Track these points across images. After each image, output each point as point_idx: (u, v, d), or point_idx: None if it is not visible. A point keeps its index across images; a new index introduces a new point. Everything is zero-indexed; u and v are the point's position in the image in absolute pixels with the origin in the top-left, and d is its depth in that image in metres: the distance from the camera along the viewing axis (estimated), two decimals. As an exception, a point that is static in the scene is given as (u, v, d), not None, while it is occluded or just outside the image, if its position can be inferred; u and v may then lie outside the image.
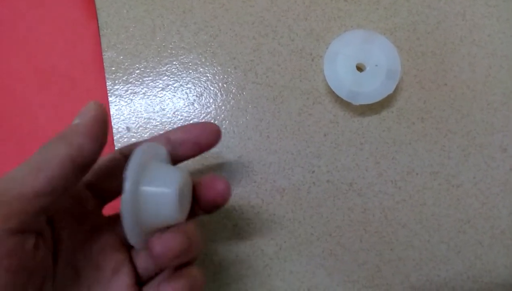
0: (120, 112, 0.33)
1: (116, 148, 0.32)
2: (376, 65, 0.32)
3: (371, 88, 0.32)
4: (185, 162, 0.26)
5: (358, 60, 0.33)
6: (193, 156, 0.26)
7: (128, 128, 0.33)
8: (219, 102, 0.34)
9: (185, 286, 0.22)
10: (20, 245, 0.19)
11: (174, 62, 0.34)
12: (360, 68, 0.33)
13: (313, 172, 0.33)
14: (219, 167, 0.32)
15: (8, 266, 0.18)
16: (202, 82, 0.34)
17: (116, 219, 0.24)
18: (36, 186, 0.19)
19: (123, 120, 0.33)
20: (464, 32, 0.35)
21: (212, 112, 0.33)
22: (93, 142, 0.21)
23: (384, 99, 0.32)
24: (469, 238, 0.32)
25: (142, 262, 0.25)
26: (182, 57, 0.34)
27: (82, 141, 0.20)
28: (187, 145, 0.25)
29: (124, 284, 0.23)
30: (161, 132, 0.32)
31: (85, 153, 0.20)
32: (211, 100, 0.34)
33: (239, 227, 0.32)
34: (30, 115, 0.33)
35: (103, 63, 0.34)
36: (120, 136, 0.33)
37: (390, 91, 0.32)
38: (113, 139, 0.32)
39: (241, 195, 0.32)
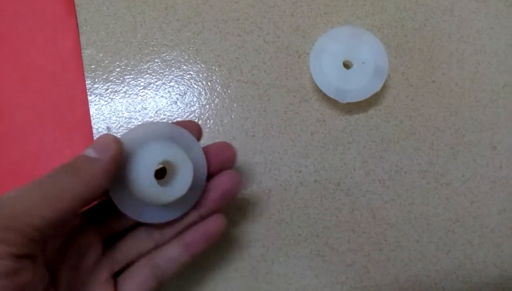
0: (100, 112, 0.33)
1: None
2: (363, 63, 0.33)
3: (358, 85, 0.33)
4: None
5: (345, 57, 0.33)
6: None
7: (108, 128, 0.33)
8: (203, 101, 0.34)
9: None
10: (20, 269, 0.19)
11: (156, 60, 0.34)
12: (347, 65, 0.34)
13: (300, 171, 0.33)
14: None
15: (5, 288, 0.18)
16: (186, 81, 0.34)
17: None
18: (46, 217, 0.20)
19: (103, 120, 0.33)
20: (452, 28, 0.37)
21: (196, 111, 0.34)
22: (107, 183, 0.22)
23: (372, 97, 0.33)
24: (458, 238, 0.33)
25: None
26: (164, 54, 0.34)
27: (99, 183, 0.21)
28: None
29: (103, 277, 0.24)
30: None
31: (98, 193, 0.22)
32: (194, 99, 0.34)
33: (225, 229, 0.32)
34: (7, 113, 0.33)
35: (82, 61, 0.34)
36: (101, 136, 0.33)
37: (378, 88, 0.33)
38: (93, 140, 0.33)
39: (226, 196, 0.32)
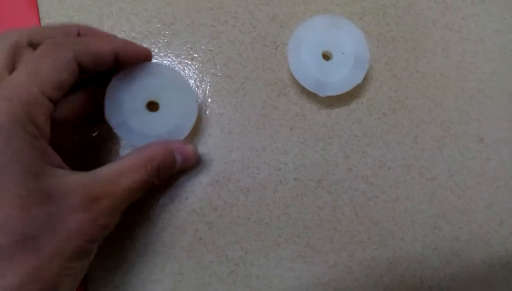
0: (65, 111, 0.32)
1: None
2: (343, 53, 0.32)
3: (339, 77, 0.31)
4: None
5: (325, 48, 0.32)
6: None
7: (74, 128, 0.31)
8: (176, 97, 0.32)
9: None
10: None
11: (125, 54, 0.33)
12: (326, 56, 0.32)
13: (280, 169, 0.32)
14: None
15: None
16: (157, 75, 0.33)
17: None
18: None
19: (69, 119, 0.31)
20: (437, 15, 0.35)
21: (168, 107, 0.32)
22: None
23: (353, 89, 0.32)
24: (445, 234, 0.32)
25: None
26: (133, 48, 0.33)
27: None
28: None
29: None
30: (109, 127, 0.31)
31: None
32: (166, 95, 0.32)
33: (200, 231, 0.31)
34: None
35: (45, 57, 0.32)
36: (66, 137, 0.31)
37: (359, 81, 0.31)
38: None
39: (201, 196, 0.31)
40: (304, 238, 0.31)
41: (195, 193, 0.31)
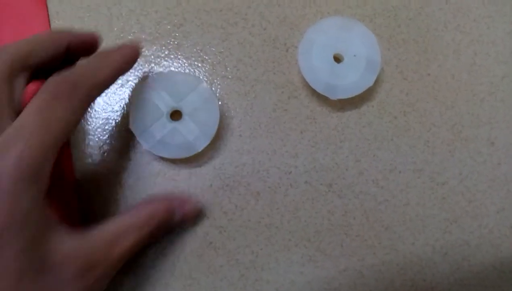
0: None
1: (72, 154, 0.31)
2: (355, 56, 0.31)
3: (350, 80, 0.31)
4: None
5: (336, 50, 0.32)
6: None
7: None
8: (186, 99, 0.32)
9: None
10: None
11: (135, 56, 0.32)
12: (337, 58, 0.32)
13: (290, 173, 0.32)
14: (187, 172, 0.31)
15: None
16: (166, 78, 0.33)
17: None
18: None
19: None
20: (448, 17, 0.35)
21: (178, 110, 0.32)
22: None
23: (364, 92, 0.31)
24: (455, 239, 0.32)
25: None
26: (143, 50, 0.33)
27: None
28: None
29: None
30: (122, 133, 0.31)
31: None
32: (176, 97, 0.32)
33: (211, 235, 0.31)
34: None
35: (54, 58, 0.32)
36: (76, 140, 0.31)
37: (370, 83, 0.31)
38: (69, 145, 0.31)
39: (212, 200, 0.31)
40: (314, 242, 0.31)
41: (205, 196, 0.31)
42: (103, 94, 0.32)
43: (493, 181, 0.33)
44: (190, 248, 0.30)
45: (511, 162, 0.33)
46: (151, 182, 0.31)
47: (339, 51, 0.32)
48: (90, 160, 0.31)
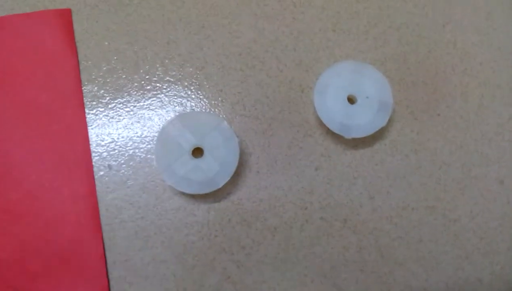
0: (101, 149, 0.33)
1: (96, 187, 0.32)
2: (367, 97, 0.33)
3: (363, 121, 0.33)
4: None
5: (349, 92, 0.33)
6: None
7: (109, 166, 0.33)
8: (206, 137, 0.34)
9: None
10: None
11: (159, 96, 0.34)
12: (351, 100, 0.34)
13: (306, 208, 0.33)
14: (207, 207, 0.32)
15: None
16: (188, 116, 0.34)
17: None
18: None
19: (105, 157, 0.33)
20: (456, 61, 0.37)
21: (199, 147, 0.34)
22: None
23: (377, 131, 0.33)
24: (468, 276, 0.32)
25: None
26: (166, 90, 0.35)
27: None
28: None
29: None
30: (145, 170, 0.32)
31: None
32: (197, 135, 0.34)
33: (229, 269, 0.32)
34: (5, 151, 0.33)
35: (83, 98, 0.34)
36: (101, 175, 0.33)
37: (383, 124, 0.33)
38: (93, 179, 0.32)
39: (230, 235, 0.32)
40: (330, 278, 0.32)
41: (224, 231, 0.32)
42: (127, 131, 0.33)
43: (503, 219, 0.34)
44: (208, 282, 0.31)
45: (520, 200, 0.34)
46: (172, 216, 0.32)
47: (353, 93, 0.33)
48: (114, 194, 0.32)
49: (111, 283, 0.31)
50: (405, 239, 0.33)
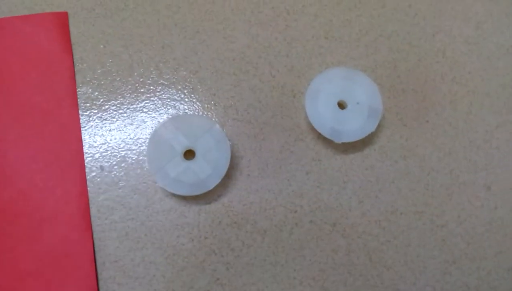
0: (93, 150, 0.34)
1: (88, 188, 0.33)
2: (358, 103, 0.34)
3: (353, 126, 0.34)
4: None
5: (340, 98, 0.34)
6: None
7: (102, 167, 0.33)
8: (198, 140, 0.35)
9: None
10: None
11: (152, 98, 0.35)
12: (342, 105, 0.34)
13: (296, 212, 0.33)
14: (197, 208, 0.33)
15: None
16: (181, 119, 0.35)
17: None
18: None
19: (97, 158, 0.33)
20: (445, 69, 0.38)
21: (191, 150, 0.34)
22: None
23: (367, 137, 0.34)
24: (455, 280, 0.33)
25: None
26: (160, 93, 0.35)
27: None
28: None
29: None
30: (137, 171, 0.32)
31: None
32: (189, 138, 0.35)
33: (218, 271, 0.32)
34: (-2, 153, 0.34)
35: (77, 99, 0.34)
36: (93, 175, 0.33)
37: (372, 129, 0.33)
38: (85, 179, 0.33)
39: (220, 237, 0.32)
40: (319, 280, 0.32)
41: (214, 233, 0.32)
42: (120, 133, 0.34)
43: (491, 224, 0.34)
44: (198, 284, 0.31)
45: (507, 206, 0.35)
46: (163, 217, 0.32)
47: (343, 99, 0.34)
48: (105, 195, 0.33)
49: (100, 283, 0.31)
50: (394, 243, 0.33)
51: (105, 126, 0.34)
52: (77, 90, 0.35)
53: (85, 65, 0.35)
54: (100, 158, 0.33)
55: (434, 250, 0.33)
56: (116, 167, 0.33)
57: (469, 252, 0.33)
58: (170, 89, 0.35)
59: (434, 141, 0.36)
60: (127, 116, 0.34)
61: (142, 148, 0.34)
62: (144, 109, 0.35)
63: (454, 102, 0.37)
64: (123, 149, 0.34)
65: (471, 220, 0.34)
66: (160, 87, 0.35)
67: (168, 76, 0.35)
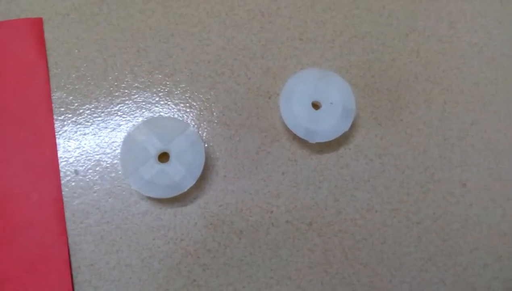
0: (68, 155, 0.34)
1: (63, 193, 0.33)
2: (331, 103, 0.34)
3: (328, 125, 0.34)
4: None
5: (314, 98, 0.34)
6: None
7: (76, 172, 0.33)
8: (174, 142, 0.35)
9: None
10: None
11: (127, 102, 0.35)
12: (316, 105, 0.35)
13: (272, 212, 0.33)
14: (173, 211, 0.33)
15: None
16: (156, 122, 0.35)
17: None
18: None
19: (71, 163, 0.33)
20: (419, 68, 0.38)
21: (167, 152, 0.34)
22: None
23: (342, 136, 0.34)
24: (431, 277, 0.33)
25: None
26: (135, 96, 0.35)
27: None
28: None
29: None
30: (112, 175, 0.32)
31: None
32: (165, 140, 0.35)
33: (194, 273, 0.32)
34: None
35: (51, 104, 0.34)
36: (68, 180, 0.33)
37: (346, 128, 0.34)
38: (60, 184, 0.33)
39: (196, 238, 0.32)
40: (295, 280, 0.32)
41: (190, 234, 0.32)
42: (95, 137, 0.34)
43: (466, 221, 0.34)
44: (174, 286, 0.31)
45: (482, 203, 0.35)
46: (138, 220, 0.32)
47: (317, 99, 0.34)
48: (80, 199, 0.33)
49: (76, 287, 0.31)
50: (370, 240, 0.33)
51: (80, 131, 0.34)
52: (51, 95, 0.35)
53: (59, 70, 0.35)
54: (75, 162, 0.33)
55: (410, 247, 0.33)
56: (90, 170, 0.33)
57: (444, 248, 0.34)
58: (145, 93, 0.35)
59: (409, 139, 0.36)
60: (101, 120, 0.34)
61: (117, 151, 0.34)
62: (119, 113, 0.35)
63: (429, 101, 0.37)
64: (97, 153, 0.34)
65: (447, 216, 0.34)
66: (135, 91, 0.35)
67: (143, 80, 0.36)
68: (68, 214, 0.32)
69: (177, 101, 0.35)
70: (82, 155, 0.34)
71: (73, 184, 0.33)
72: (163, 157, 0.32)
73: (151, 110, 0.35)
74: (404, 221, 0.34)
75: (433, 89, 0.38)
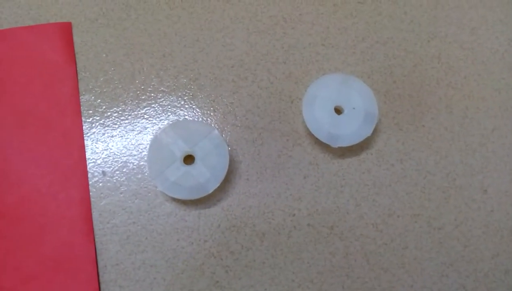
0: (96, 156, 0.34)
1: (90, 193, 0.33)
2: (354, 108, 0.34)
3: (350, 130, 0.34)
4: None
5: (336, 103, 0.35)
6: None
7: (104, 173, 0.34)
8: (198, 145, 0.35)
9: None
10: None
11: (153, 105, 0.36)
12: (338, 110, 0.35)
13: (294, 215, 0.34)
14: (197, 212, 0.33)
15: None
16: (181, 125, 0.35)
17: None
18: None
19: (99, 164, 0.34)
20: (440, 74, 0.38)
21: (191, 155, 0.35)
22: None
23: (363, 141, 0.34)
24: (452, 282, 0.33)
25: None
26: (161, 100, 0.36)
27: None
28: None
29: None
30: (138, 176, 0.33)
31: None
32: (189, 143, 0.35)
33: (217, 274, 0.32)
34: (3, 157, 0.34)
35: (80, 106, 0.35)
36: (95, 181, 0.34)
37: (369, 133, 0.34)
38: (88, 184, 0.33)
39: (219, 240, 0.33)
40: (317, 283, 0.32)
41: (213, 236, 0.33)
42: (122, 139, 0.34)
43: (487, 227, 0.34)
44: (197, 287, 0.32)
45: (503, 209, 0.35)
46: (163, 221, 0.33)
47: (340, 104, 0.35)
48: (107, 200, 0.33)
49: (102, 286, 0.32)
50: (391, 245, 0.33)
51: (107, 133, 0.35)
52: (80, 98, 0.35)
53: (88, 73, 0.36)
54: (102, 163, 0.34)
55: (431, 252, 0.33)
56: (117, 172, 0.34)
57: (466, 254, 0.34)
58: (170, 96, 0.36)
59: (431, 145, 0.36)
60: (128, 122, 0.35)
61: (143, 153, 0.34)
62: (145, 116, 0.35)
63: (450, 106, 0.37)
64: (124, 155, 0.34)
65: (468, 222, 0.34)
66: (160, 94, 0.36)
67: (168, 84, 0.36)
68: (95, 214, 0.33)
69: (201, 105, 0.36)
70: (110, 156, 0.34)
71: (100, 184, 0.33)
72: (188, 159, 0.33)
73: (176, 114, 0.35)
74: (425, 226, 0.34)
75: (454, 95, 0.38)
